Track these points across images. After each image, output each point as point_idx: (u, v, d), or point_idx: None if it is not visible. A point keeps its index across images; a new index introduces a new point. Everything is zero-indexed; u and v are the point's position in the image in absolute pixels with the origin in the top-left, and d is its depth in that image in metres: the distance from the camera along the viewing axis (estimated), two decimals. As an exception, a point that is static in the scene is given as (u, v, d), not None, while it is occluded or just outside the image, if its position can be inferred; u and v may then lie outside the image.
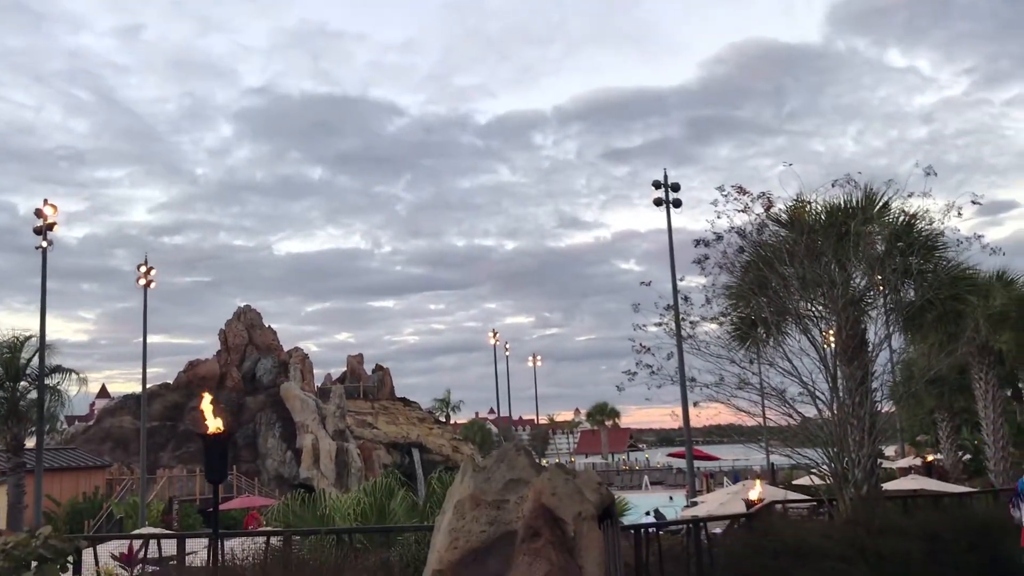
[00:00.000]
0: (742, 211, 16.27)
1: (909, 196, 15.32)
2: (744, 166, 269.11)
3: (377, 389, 61.54)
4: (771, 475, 44.55)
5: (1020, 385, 37.07)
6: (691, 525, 11.65)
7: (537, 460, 9.58)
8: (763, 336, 16.85)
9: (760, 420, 15.28)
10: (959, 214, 15.20)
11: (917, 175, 15.27)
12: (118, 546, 10.69)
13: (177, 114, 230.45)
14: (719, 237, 15.72)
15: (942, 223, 15.92)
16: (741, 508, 16.01)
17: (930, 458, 41.21)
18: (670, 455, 71.24)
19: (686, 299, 16.71)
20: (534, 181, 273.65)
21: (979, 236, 15.40)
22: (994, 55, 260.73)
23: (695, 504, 24.31)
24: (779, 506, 14.85)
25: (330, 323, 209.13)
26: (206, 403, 9.46)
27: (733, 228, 15.97)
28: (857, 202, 16.65)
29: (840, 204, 16.66)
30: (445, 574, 7.54)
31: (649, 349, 16.00)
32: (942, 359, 15.36)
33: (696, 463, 49.39)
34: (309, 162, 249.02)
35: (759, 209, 16.17)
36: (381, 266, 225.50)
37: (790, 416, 15.11)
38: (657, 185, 28.55)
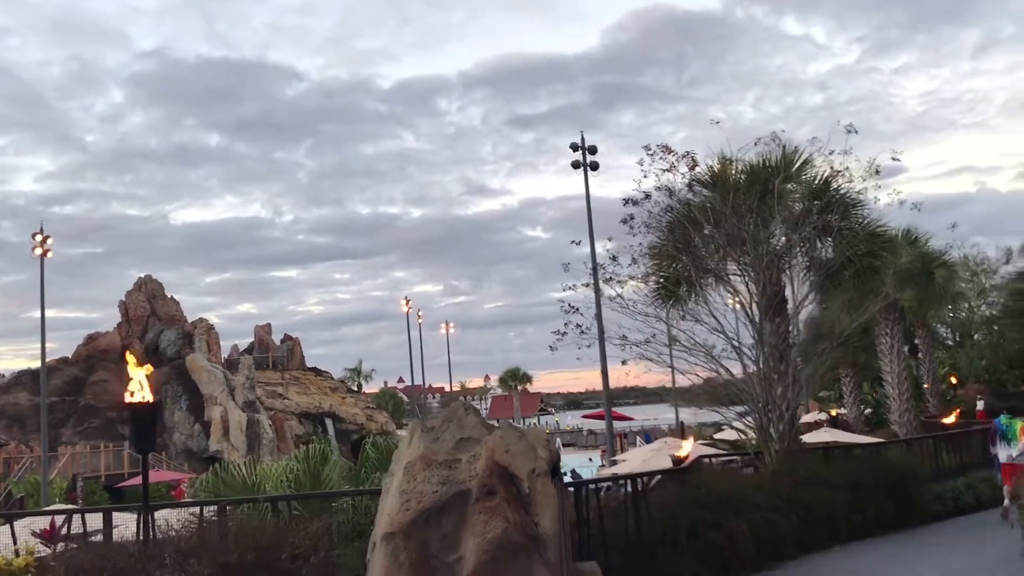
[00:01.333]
0: (667, 171, 16.36)
1: (830, 154, 15.58)
2: (647, 133, 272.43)
3: (287, 359, 60.35)
4: (680, 433, 45.58)
5: (916, 341, 38.57)
6: (628, 480, 11.72)
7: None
8: (685, 294, 17.11)
9: (690, 377, 15.45)
10: (877, 171, 15.57)
11: (838, 133, 15.56)
12: (30, 523, 10.17)
13: (64, 78, 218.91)
14: (647, 196, 15.77)
15: (862, 180, 16.29)
16: (666, 464, 16.25)
17: (835, 412, 42.81)
18: (585, 416, 71.90)
19: (614, 258, 16.75)
20: (439, 147, 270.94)
21: (898, 192, 15.76)
22: (883, 25, 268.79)
23: (615, 463, 24.62)
24: (707, 460, 15.10)
25: (231, 294, 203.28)
26: (135, 371, 9.00)
27: (661, 187, 16.04)
28: (777, 161, 16.92)
29: (761, 163, 16.91)
30: (398, 536, 7.36)
31: (578, 309, 16.08)
32: (859, 315, 15.77)
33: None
34: (205, 128, 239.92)
35: (684, 168, 16.29)
36: (283, 235, 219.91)
37: (717, 372, 15.34)
38: (575, 148, 28.58)
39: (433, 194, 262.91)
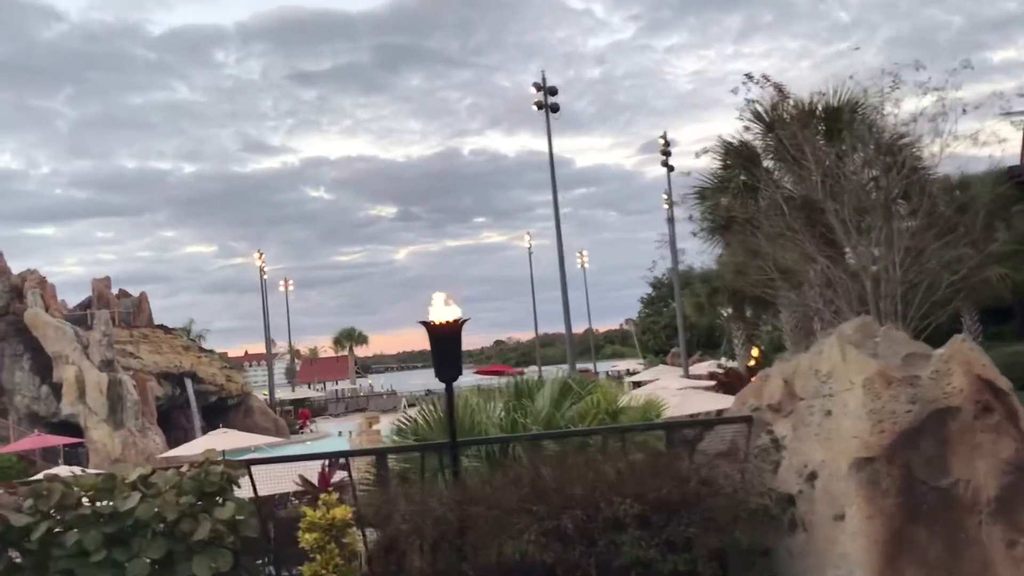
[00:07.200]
0: (756, 102, 16.10)
1: (929, 91, 15.53)
2: (434, 97, 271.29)
3: (134, 315, 55.36)
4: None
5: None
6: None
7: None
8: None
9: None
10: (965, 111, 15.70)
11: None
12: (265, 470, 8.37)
13: None
14: (769, 126, 15.45)
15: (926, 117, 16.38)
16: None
17: (727, 365, 44.55)
18: (479, 372, 69.25)
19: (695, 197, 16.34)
20: (215, 101, 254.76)
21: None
22: (657, 4, 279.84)
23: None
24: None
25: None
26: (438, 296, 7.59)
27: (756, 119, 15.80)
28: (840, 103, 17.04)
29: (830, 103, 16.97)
30: (878, 461, 6.55)
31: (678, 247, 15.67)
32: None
33: (494, 378, 49.64)
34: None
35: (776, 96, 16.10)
36: (39, 189, 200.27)
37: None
38: (537, 88, 27.78)
39: (208, 149, 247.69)
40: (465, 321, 7.71)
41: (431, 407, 9.91)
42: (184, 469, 7.12)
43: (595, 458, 7.46)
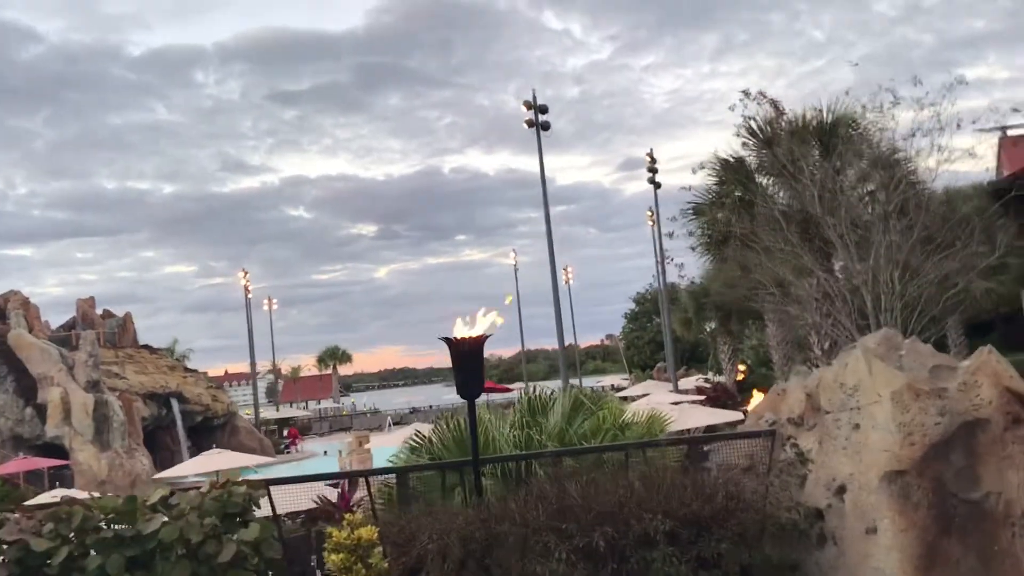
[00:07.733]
0: (752, 119, 16.15)
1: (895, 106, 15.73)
2: (413, 117, 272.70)
3: (119, 336, 54.86)
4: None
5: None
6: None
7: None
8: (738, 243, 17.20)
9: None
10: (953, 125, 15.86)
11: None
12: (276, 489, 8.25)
13: None
14: (768, 141, 15.50)
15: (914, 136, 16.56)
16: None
17: (714, 380, 44.59)
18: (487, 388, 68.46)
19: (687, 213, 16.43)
20: (195, 121, 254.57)
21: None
22: (634, 24, 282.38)
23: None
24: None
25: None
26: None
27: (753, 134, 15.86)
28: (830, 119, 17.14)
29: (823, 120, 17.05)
30: (908, 474, 6.54)
31: (682, 265, 15.93)
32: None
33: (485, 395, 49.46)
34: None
35: (771, 114, 16.17)
36: (17, 210, 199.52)
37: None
38: (528, 106, 27.77)
39: (188, 169, 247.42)
40: (488, 337, 7.65)
41: (444, 425, 9.82)
42: (204, 490, 7.01)
43: (622, 473, 7.42)
